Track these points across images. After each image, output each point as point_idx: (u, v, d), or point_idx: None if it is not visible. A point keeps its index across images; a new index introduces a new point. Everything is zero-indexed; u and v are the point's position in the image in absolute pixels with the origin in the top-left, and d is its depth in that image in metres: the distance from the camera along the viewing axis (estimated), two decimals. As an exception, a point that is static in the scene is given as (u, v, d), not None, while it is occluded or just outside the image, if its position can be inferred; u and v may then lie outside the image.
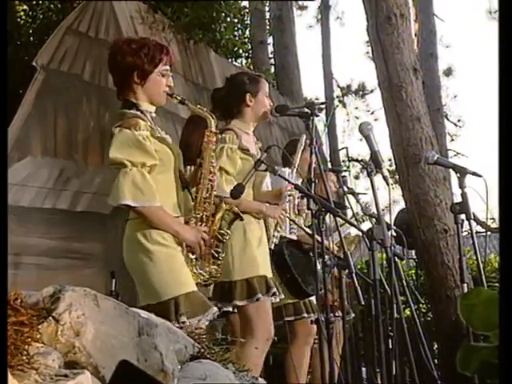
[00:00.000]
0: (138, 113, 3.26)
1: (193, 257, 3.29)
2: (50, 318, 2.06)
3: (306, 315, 5.09)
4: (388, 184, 3.57)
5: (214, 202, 3.47)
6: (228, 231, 3.45)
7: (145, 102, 3.33)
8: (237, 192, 3.84)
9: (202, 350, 2.44)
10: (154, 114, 3.39)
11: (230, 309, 4.00)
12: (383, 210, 4.93)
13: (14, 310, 2.00)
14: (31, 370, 1.90)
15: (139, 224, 3.23)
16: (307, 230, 4.80)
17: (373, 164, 3.64)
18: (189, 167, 4.50)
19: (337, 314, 5.29)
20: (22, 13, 10.49)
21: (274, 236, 4.06)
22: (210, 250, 3.36)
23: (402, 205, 7.73)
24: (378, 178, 3.89)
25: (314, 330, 5.14)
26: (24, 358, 1.92)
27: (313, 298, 5.17)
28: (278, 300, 4.03)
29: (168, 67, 3.37)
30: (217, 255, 3.38)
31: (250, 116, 4.09)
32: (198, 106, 3.55)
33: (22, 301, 2.06)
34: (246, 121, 4.09)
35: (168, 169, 3.29)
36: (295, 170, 4.56)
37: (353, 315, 5.78)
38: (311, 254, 5.07)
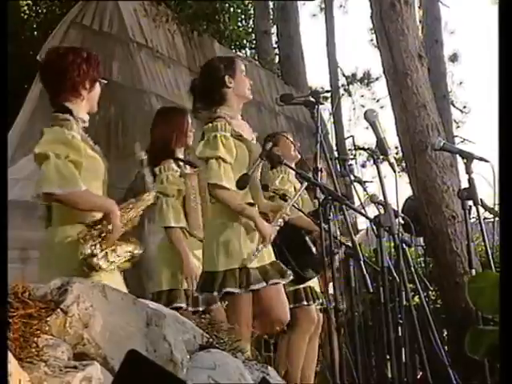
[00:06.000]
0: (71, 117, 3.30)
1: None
2: (59, 310, 2.06)
3: (305, 303, 5.09)
4: (395, 171, 3.55)
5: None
6: (136, 217, 3.36)
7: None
8: (243, 182, 3.84)
9: (211, 340, 2.44)
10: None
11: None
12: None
13: (22, 303, 2.00)
14: (40, 362, 1.90)
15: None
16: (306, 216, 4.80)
17: (379, 151, 3.62)
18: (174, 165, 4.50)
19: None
20: (25, 7, 10.49)
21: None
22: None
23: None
24: (384, 166, 3.87)
25: (315, 317, 5.14)
26: (33, 350, 1.93)
27: (314, 285, 5.18)
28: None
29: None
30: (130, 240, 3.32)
31: (234, 98, 4.00)
32: None
33: (30, 293, 2.07)
34: (231, 105, 4.00)
35: (97, 178, 3.29)
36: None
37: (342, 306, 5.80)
38: (307, 237, 5.09)
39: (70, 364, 1.94)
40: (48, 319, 2.03)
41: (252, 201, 3.97)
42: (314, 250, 5.16)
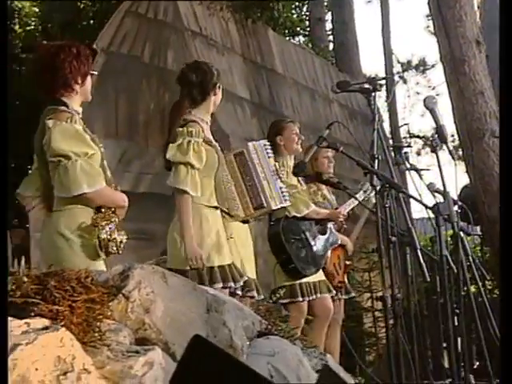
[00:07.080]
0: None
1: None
2: (120, 295, 2.09)
3: (300, 299, 5.04)
4: (453, 158, 3.51)
5: None
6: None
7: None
8: (299, 169, 3.88)
9: (270, 327, 2.45)
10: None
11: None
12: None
13: (85, 288, 2.03)
14: (103, 347, 1.93)
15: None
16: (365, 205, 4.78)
17: (438, 138, 3.58)
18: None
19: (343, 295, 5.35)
20: (81, -3, 10.62)
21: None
22: None
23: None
24: (441, 154, 3.83)
25: (305, 311, 5.10)
26: (96, 334, 1.96)
27: (314, 280, 5.11)
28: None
29: None
30: None
31: (213, 106, 4.11)
32: None
33: (92, 279, 2.09)
34: (208, 110, 4.09)
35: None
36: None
37: (353, 294, 5.76)
38: (308, 233, 5.07)
39: (131, 349, 1.96)
40: (110, 304, 2.06)
41: (217, 204, 4.00)
42: (314, 245, 5.13)
